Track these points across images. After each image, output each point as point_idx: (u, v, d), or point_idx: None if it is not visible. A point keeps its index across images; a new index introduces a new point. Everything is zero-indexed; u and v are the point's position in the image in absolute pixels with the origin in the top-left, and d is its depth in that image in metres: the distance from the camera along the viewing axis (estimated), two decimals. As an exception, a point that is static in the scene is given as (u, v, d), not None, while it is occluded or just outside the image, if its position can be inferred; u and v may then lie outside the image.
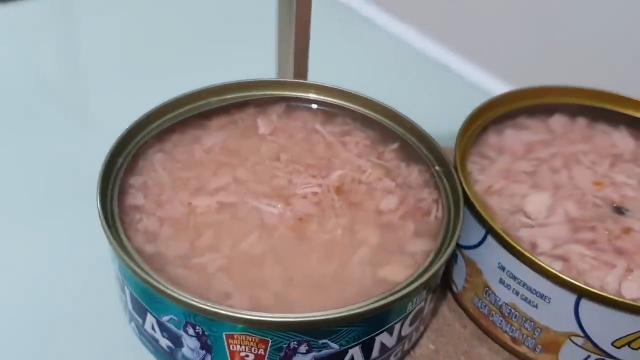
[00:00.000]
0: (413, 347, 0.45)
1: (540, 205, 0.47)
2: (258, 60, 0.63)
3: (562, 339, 0.41)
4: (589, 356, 0.41)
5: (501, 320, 0.44)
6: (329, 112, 0.52)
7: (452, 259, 0.47)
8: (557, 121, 0.55)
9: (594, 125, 0.56)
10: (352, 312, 0.35)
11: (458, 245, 0.46)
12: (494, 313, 0.44)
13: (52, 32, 0.82)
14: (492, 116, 0.53)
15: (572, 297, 0.39)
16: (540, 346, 0.43)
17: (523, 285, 0.41)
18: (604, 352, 0.41)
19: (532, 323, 0.42)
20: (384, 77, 0.79)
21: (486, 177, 0.49)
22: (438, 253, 0.40)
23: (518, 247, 0.40)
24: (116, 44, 0.81)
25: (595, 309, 0.39)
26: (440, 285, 0.47)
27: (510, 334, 0.44)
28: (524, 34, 0.82)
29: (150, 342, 0.41)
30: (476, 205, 0.43)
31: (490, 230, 0.42)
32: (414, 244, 0.43)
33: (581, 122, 0.56)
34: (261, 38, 0.63)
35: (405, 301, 0.38)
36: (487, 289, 0.44)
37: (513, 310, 0.43)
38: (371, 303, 0.36)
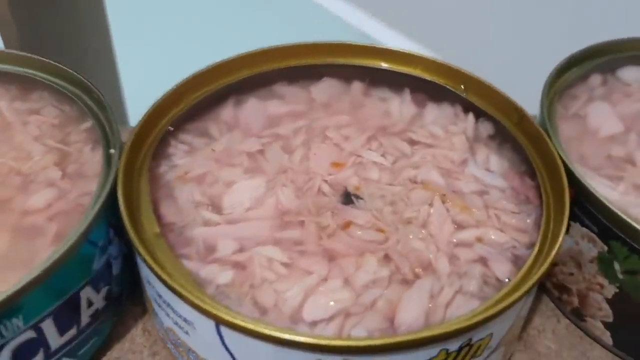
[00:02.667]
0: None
1: (245, 194, 0.36)
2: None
3: (228, 375, 0.31)
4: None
5: (173, 349, 0.34)
6: (26, 86, 0.42)
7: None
8: (324, 87, 0.45)
9: (372, 90, 0.45)
10: None
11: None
12: (166, 339, 0.34)
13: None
14: (224, 83, 0.42)
15: (211, 324, 0.29)
16: (214, 382, 0.33)
17: (168, 306, 0.31)
18: (276, 392, 0.30)
19: (195, 355, 0.32)
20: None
21: (190, 160, 0.38)
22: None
23: (149, 261, 0.30)
24: None
25: (241, 339, 0.29)
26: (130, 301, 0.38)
27: (186, 365, 0.34)
28: None
29: None
30: (121, 206, 0.32)
31: (132, 239, 0.32)
32: (49, 252, 0.33)
33: (357, 87, 0.45)
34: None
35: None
36: (153, 309, 0.34)
37: (174, 337, 0.33)
38: None
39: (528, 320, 0.39)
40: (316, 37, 0.45)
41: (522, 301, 0.31)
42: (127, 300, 0.38)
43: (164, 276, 0.29)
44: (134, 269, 0.35)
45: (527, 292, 0.30)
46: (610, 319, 0.37)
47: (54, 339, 0.32)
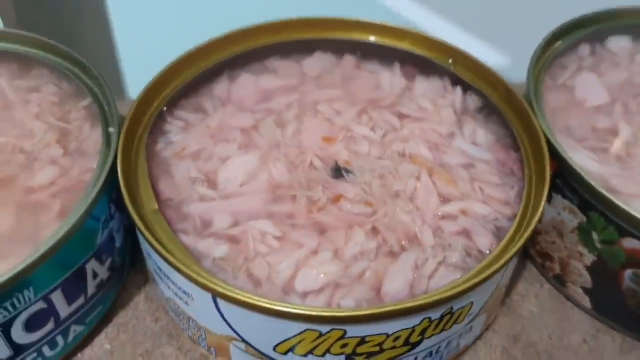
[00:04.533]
0: (79, 349, 0.37)
1: (239, 170, 0.38)
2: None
3: (226, 343, 0.33)
4: (259, 360, 0.33)
5: (174, 316, 0.36)
6: (26, 63, 0.43)
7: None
8: (315, 61, 0.46)
9: (363, 63, 0.46)
10: None
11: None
12: (167, 307, 0.36)
13: None
14: (218, 59, 0.43)
15: (208, 296, 0.31)
16: (213, 349, 0.35)
17: (168, 279, 0.33)
18: (270, 358, 0.32)
19: (195, 322, 0.34)
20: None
21: (186, 136, 0.40)
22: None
23: (148, 237, 0.32)
24: None
25: (237, 310, 0.31)
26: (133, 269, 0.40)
27: (187, 332, 0.36)
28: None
29: None
30: (121, 184, 0.34)
31: (132, 216, 0.33)
32: (54, 228, 0.34)
33: (349, 60, 0.46)
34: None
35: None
36: (154, 279, 0.36)
37: (175, 306, 0.35)
38: None
39: (512, 285, 0.41)
40: (331, 11, 0.46)
41: (501, 272, 0.32)
42: (130, 269, 0.40)
43: (163, 251, 0.31)
44: (135, 240, 0.37)
45: (506, 263, 0.31)
46: (590, 285, 0.39)
47: (63, 309, 0.34)
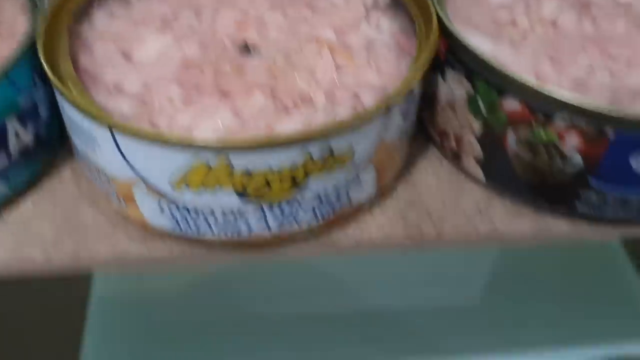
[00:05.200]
0: (3, 209, 0.40)
1: (154, 48, 0.41)
2: None
3: (130, 190, 0.37)
4: (159, 201, 0.36)
5: (89, 174, 0.39)
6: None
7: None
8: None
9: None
10: None
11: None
12: (85, 168, 0.40)
13: None
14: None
15: (108, 134, 0.34)
16: (122, 199, 0.38)
17: (78, 127, 0.36)
18: (167, 196, 0.36)
19: (104, 174, 0.37)
20: None
21: (109, 22, 0.43)
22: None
23: (56, 84, 0.35)
24: None
25: (133, 144, 0.34)
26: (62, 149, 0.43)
27: (101, 188, 0.39)
28: None
29: None
30: (39, 49, 0.37)
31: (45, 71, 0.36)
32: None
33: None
34: None
35: None
36: (71, 140, 0.39)
37: (87, 161, 0.38)
38: None
39: (412, 163, 0.44)
40: None
41: (376, 120, 0.35)
42: (58, 149, 0.43)
43: (67, 94, 0.34)
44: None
45: (378, 111, 0.35)
46: (481, 156, 0.42)
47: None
